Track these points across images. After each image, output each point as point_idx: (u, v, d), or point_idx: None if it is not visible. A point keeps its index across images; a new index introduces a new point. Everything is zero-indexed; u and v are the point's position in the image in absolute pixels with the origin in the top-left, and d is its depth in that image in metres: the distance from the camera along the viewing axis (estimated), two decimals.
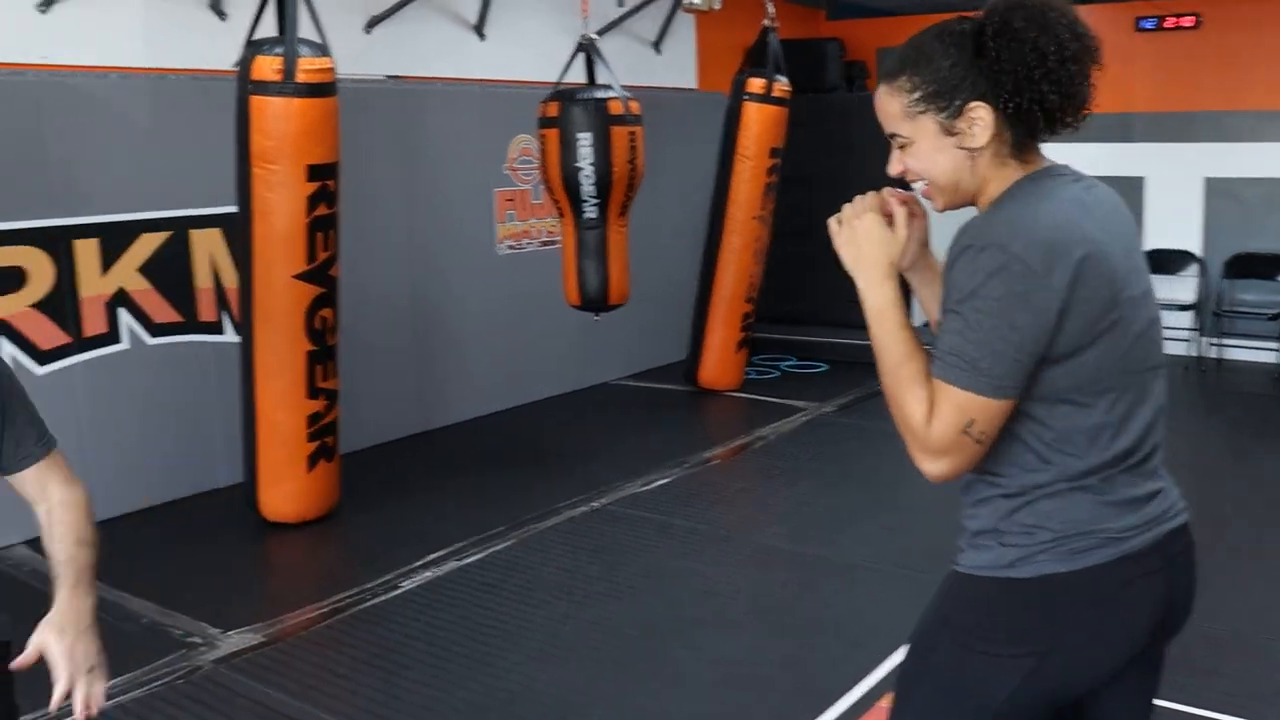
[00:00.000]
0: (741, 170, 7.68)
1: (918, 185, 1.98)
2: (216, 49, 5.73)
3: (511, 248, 7.58)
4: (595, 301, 6.48)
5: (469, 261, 7.30)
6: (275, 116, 4.85)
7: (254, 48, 4.91)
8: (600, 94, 6.16)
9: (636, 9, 8.27)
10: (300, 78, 4.81)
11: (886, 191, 1.99)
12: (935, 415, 1.79)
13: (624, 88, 6.30)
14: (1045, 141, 1.89)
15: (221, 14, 5.83)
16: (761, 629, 4.35)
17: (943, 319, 1.82)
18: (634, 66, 8.12)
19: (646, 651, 4.14)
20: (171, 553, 5.19)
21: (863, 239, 1.94)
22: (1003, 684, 1.87)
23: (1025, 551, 1.85)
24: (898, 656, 3.97)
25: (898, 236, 1.95)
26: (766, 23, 7.67)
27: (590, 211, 6.25)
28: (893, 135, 1.93)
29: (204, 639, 4.24)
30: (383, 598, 4.61)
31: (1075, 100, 1.81)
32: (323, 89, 4.92)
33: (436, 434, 7.12)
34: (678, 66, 9.02)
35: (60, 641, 1.98)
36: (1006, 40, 1.78)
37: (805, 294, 9.35)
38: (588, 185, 6.14)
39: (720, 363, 8.07)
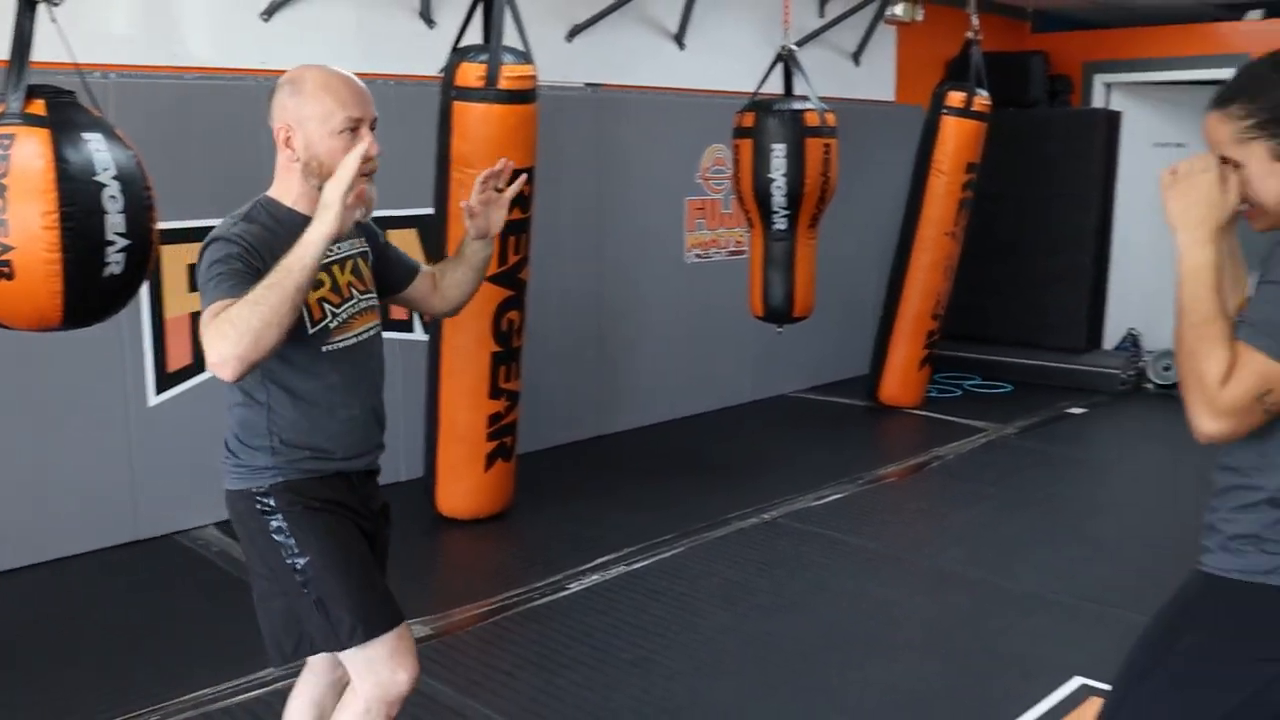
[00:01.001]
0: (936, 185, 7.57)
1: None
2: (424, 55, 5.92)
3: (699, 256, 7.64)
4: (779, 313, 6.49)
5: (657, 269, 7.38)
6: (476, 121, 5.00)
7: (459, 54, 5.06)
8: (796, 105, 6.17)
9: (837, 20, 8.23)
10: (502, 84, 4.94)
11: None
12: (1234, 378, 1.84)
13: (821, 99, 6.29)
14: None
15: (430, 21, 6.03)
16: (929, 655, 4.29)
17: (1257, 291, 1.91)
18: (832, 78, 8.10)
19: (809, 670, 4.13)
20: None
21: (1195, 196, 1.95)
22: (1240, 687, 1.96)
23: None
24: (1069, 689, 3.92)
25: (1228, 200, 1.96)
26: (969, 35, 7.54)
27: (780, 223, 6.27)
28: (1223, 160, 1.98)
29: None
30: (550, 598, 4.71)
31: None
32: (523, 95, 5.04)
33: (614, 438, 7.23)
34: (876, 78, 8.95)
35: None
36: None
37: (993, 313, 9.19)
38: (779, 196, 6.17)
39: (902, 380, 7.98)
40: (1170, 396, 8.43)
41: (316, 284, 2.46)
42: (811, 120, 6.18)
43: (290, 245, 2.31)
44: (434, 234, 5.36)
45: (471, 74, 4.98)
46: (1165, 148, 10.01)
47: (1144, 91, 10.06)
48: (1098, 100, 10.10)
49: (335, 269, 2.56)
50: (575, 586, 4.82)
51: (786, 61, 6.43)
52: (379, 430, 2.70)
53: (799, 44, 6.58)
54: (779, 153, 6.15)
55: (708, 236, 7.67)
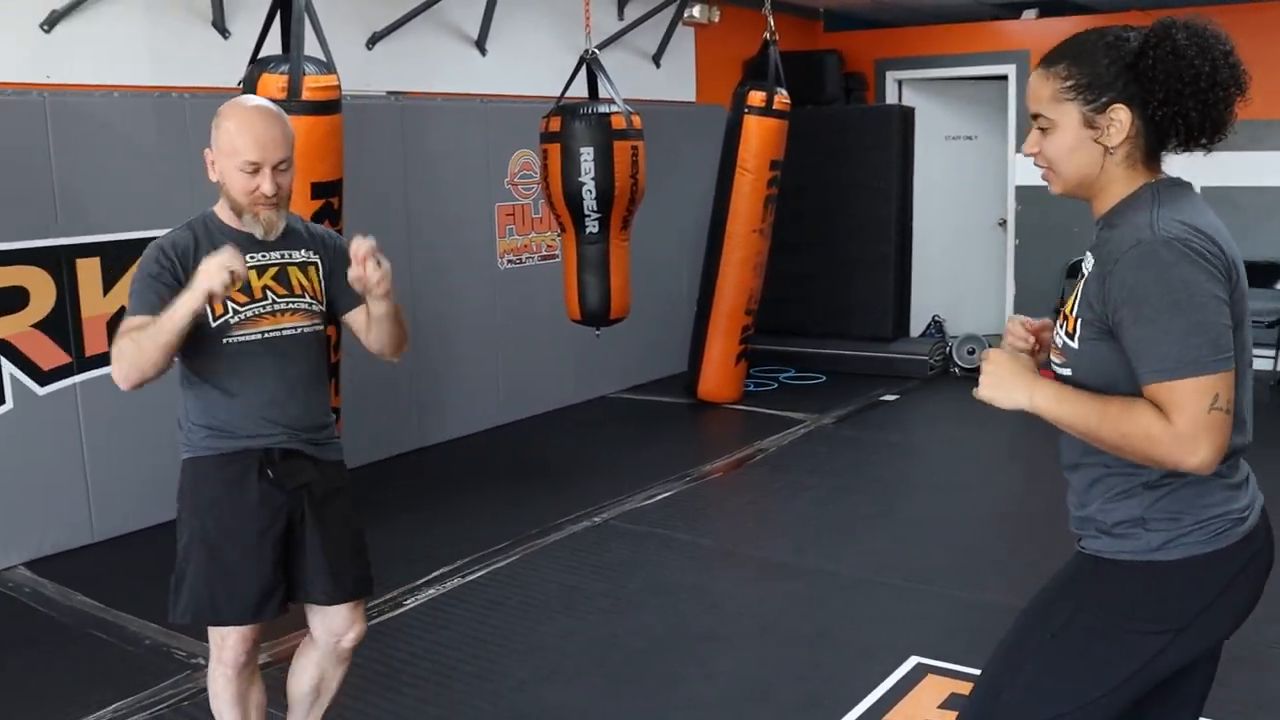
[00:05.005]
0: (742, 183, 7.69)
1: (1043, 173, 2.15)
2: (220, 67, 5.74)
3: (512, 262, 7.59)
4: (596, 316, 6.49)
5: (470, 276, 7.30)
6: None
7: (259, 65, 4.90)
8: (603, 108, 6.17)
9: (637, 23, 8.28)
10: (306, 95, 4.81)
11: (1014, 321, 2.23)
12: (1176, 411, 1.87)
13: (625, 101, 6.31)
14: (1175, 154, 2.08)
15: (225, 32, 5.83)
16: (768, 644, 4.35)
17: (1133, 328, 1.92)
18: (633, 80, 8.13)
19: (653, 668, 4.14)
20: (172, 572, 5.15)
21: (998, 369, 2.10)
22: (1131, 661, 2.04)
23: (1170, 535, 2.01)
24: (907, 668, 4.02)
25: (1027, 359, 2.15)
26: (767, 35, 7.68)
27: (592, 226, 6.26)
28: (1036, 116, 2.09)
29: (208, 660, 4.21)
30: (387, 615, 4.59)
31: (1214, 123, 1.99)
32: (328, 106, 4.92)
33: (436, 450, 7.10)
34: (677, 79, 9.04)
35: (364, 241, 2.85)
36: (1166, 52, 1.94)
37: (803, 305, 9.37)
38: (590, 200, 6.16)
39: (720, 375, 8.07)
40: (976, 380, 8.73)
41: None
42: (618, 123, 6.19)
43: (217, 248, 2.74)
44: None
45: (273, 85, 4.82)
46: (956, 140, 10.40)
47: (933, 87, 10.43)
48: (890, 96, 10.43)
49: (251, 274, 2.85)
50: (412, 602, 4.72)
51: (590, 65, 6.43)
52: (297, 417, 2.97)
53: (599, 47, 6.60)
54: (587, 156, 6.15)
55: (520, 242, 7.62)
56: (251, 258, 2.86)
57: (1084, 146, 2.03)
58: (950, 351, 9.19)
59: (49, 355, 5.24)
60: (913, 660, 4.10)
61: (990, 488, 6.41)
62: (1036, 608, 2.20)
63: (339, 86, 4.99)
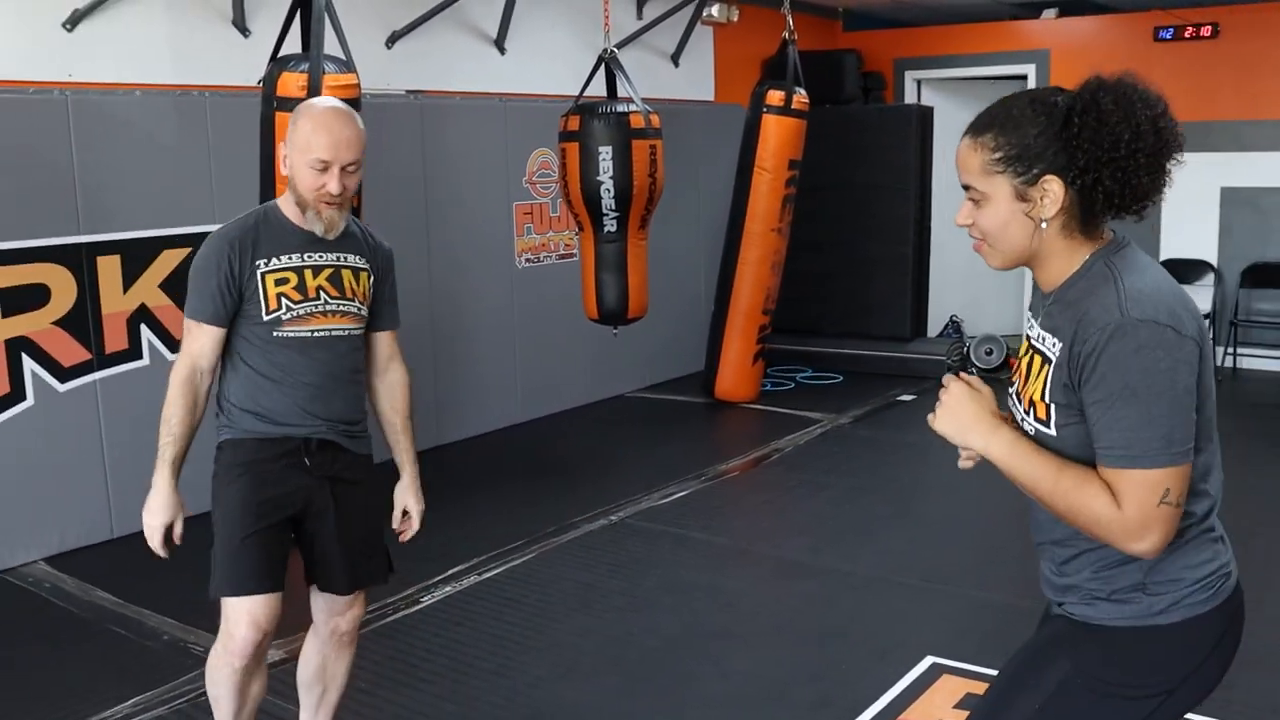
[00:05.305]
0: (760, 183, 7.68)
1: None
2: (240, 65, 5.77)
3: (530, 261, 7.60)
4: (614, 315, 6.50)
5: (488, 275, 7.31)
6: None
7: (279, 64, 4.93)
8: (621, 107, 6.18)
9: (655, 22, 8.29)
10: (325, 94, 4.83)
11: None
12: (1124, 499, 1.83)
13: (643, 100, 6.32)
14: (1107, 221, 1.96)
15: (245, 31, 5.87)
16: (783, 642, 4.36)
17: (1091, 409, 1.86)
18: (652, 79, 8.15)
19: (668, 666, 4.15)
20: (191, 567, 5.16)
21: (957, 406, 2.03)
22: None
23: (1173, 599, 1.95)
24: (922, 668, 4.02)
25: (985, 391, 2.04)
26: (786, 35, 7.67)
27: (610, 225, 6.28)
28: (967, 187, 1.99)
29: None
30: (404, 613, 4.62)
31: (1135, 191, 1.87)
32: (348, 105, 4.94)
33: (453, 448, 7.12)
34: (695, 79, 9.04)
35: (418, 504, 3.42)
36: (1091, 118, 1.84)
37: (821, 305, 9.36)
38: (608, 199, 6.17)
39: (737, 375, 8.07)
40: (994, 380, 8.72)
41: (281, 280, 2.96)
42: (636, 122, 6.20)
43: (276, 243, 2.95)
44: None
45: (293, 84, 4.85)
46: None
47: (952, 87, 10.41)
48: (909, 96, 10.42)
49: (307, 272, 2.99)
50: (429, 599, 4.74)
51: (609, 64, 6.44)
52: (337, 411, 3.09)
53: (618, 46, 6.60)
54: (606, 155, 6.16)
55: (538, 241, 7.64)
56: (309, 256, 2.99)
57: (1017, 220, 1.93)
58: (968, 352, 9.18)
59: (70, 352, 5.27)
60: (928, 660, 4.10)
61: (1006, 488, 6.33)
62: (1018, 674, 2.11)
63: (359, 85, 5.02)
